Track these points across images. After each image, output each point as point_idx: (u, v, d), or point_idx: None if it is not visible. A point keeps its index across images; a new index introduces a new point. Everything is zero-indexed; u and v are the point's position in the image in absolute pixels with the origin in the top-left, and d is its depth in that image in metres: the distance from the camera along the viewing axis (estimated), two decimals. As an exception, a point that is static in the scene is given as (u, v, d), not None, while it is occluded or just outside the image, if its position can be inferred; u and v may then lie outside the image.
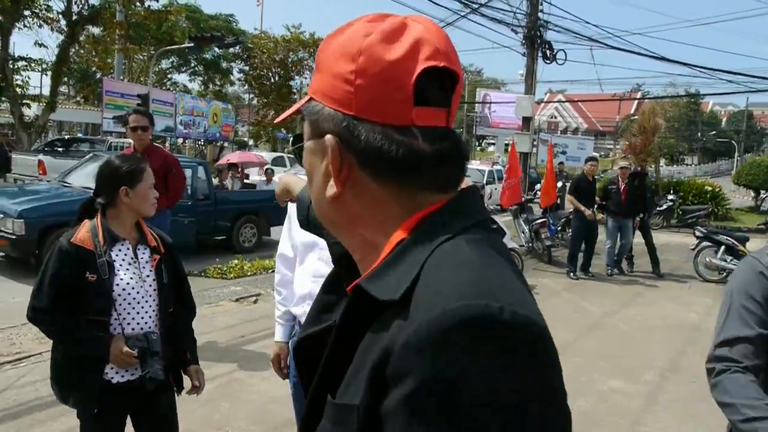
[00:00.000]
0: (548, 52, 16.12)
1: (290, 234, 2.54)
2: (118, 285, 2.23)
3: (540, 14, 15.81)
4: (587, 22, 26.70)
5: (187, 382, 2.53)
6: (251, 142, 45.41)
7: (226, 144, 37.95)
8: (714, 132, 65.61)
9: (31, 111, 23.11)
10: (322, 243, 2.30)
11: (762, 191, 21.32)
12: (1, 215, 7.46)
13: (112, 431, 2.30)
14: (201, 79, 42.03)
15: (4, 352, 4.80)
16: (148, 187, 2.33)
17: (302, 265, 2.43)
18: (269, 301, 6.95)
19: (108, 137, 23.95)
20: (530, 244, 10.80)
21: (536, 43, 16.01)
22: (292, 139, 0.85)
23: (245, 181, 12.71)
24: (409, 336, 0.58)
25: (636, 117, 29.10)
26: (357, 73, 0.70)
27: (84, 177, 8.73)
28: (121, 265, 2.27)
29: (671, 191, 17.02)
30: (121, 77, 27.62)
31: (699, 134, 64.75)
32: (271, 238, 11.19)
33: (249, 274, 8.43)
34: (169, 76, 40.99)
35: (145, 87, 26.32)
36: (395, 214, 0.72)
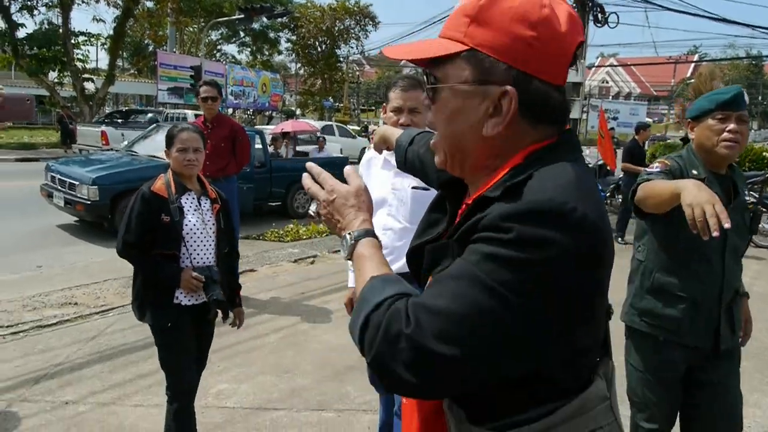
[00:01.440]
0: (600, 15, 15.74)
1: None
2: (186, 225, 2.76)
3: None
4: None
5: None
6: (298, 111, 45.92)
7: (275, 114, 38.53)
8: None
9: (91, 84, 24.05)
10: (390, 199, 2.60)
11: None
12: (77, 182, 8.02)
13: (181, 343, 2.81)
14: (249, 49, 42.51)
15: (91, 305, 5.29)
16: (176, 150, 2.79)
17: (376, 219, 2.68)
18: (326, 261, 7.32)
19: (164, 108, 24.73)
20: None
21: (587, 5, 15.66)
22: (425, 76, 0.98)
23: (297, 149, 13.08)
24: (509, 207, 0.82)
25: (692, 80, 28.02)
26: (537, 38, 0.88)
27: (149, 146, 9.25)
28: (188, 210, 2.79)
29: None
30: (174, 49, 28.30)
31: (760, 98, 61.82)
32: (324, 205, 11.55)
33: (305, 237, 8.83)
34: (218, 47, 41.73)
35: (197, 59, 26.99)
36: (522, 146, 0.93)
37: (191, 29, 35.56)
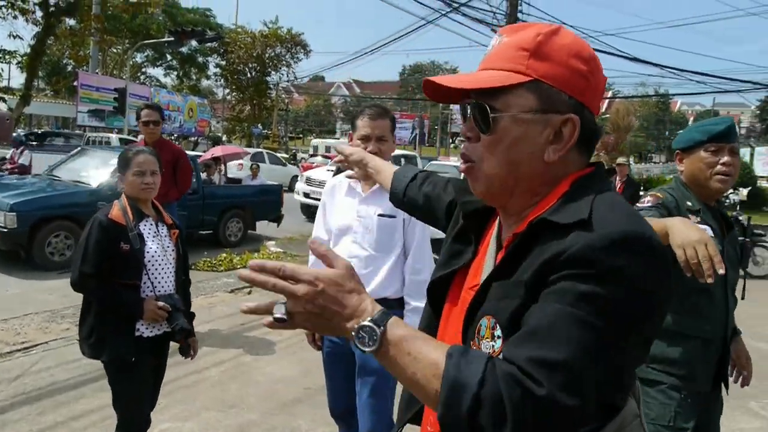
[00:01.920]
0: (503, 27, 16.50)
1: (325, 219, 2.79)
2: (148, 253, 2.65)
3: (519, 14, 16.18)
4: (564, 23, 27.15)
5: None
6: (225, 138, 45.18)
7: (200, 139, 37.75)
8: (681, 131, 67.12)
9: (3, 105, 22.79)
10: (356, 227, 2.59)
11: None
12: (-7, 208, 7.51)
13: (142, 378, 2.67)
14: (176, 73, 41.61)
15: (11, 342, 4.93)
16: (132, 173, 2.69)
17: (337, 247, 2.67)
18: (263, 292, 7.10)
19: (84, 131, 23.71)
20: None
21: (514, 42, 16.39)
22: (477, 107, 0.97)
23: (229, 176, 12.82)
24: (592, 239, 0.83)
25: (608, 115, 29.84)
26: (590, 72, 0.97)
27: (73, 171, 8.81)
28: (148, 236, 2.69)
29: (642, 188, 17.59)
30: (96, 71, 27.32)
31: (667, 133, 66.29)
32: (256, 233, 11.36)
33: (239, 266, 8.60)
34: (143, 69, 40.57)
35: (122, 81, 26.15)
36: (567, 173, 0.98)
37: (115, 50, 34.49)
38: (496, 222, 1.09)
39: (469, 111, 1.01)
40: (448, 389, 0.80)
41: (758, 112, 72.32)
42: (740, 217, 10.10)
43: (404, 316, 2.64)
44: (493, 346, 0.91)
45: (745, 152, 39.47)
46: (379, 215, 2.58)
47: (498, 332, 0.90)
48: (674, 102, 77.05)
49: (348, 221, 2.67)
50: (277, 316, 0.89)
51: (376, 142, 2.51)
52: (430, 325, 1.16)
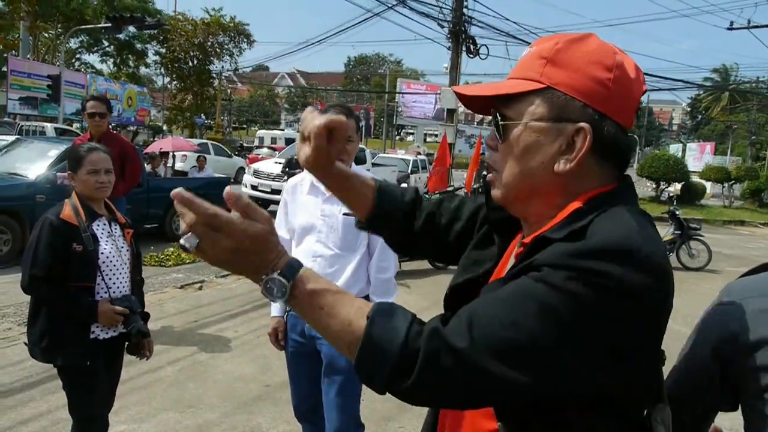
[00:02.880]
0: (472, 46, 16.72)
1: (286, 218, 2.75)
2: (102, 254, 2.55)
3: (465, 10, 16.35)
4: (507, 19, 27.65)
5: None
6: (165, 127, 43.94)
7: (140, 129, 36.57)
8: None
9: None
10: (320, 226, 2.58)
11: (662, 182, 23.06)
12: None
13: (98, 381, 2.58)
14: (113, 60, 40.07)
15: (-53, 342, 4.67)
16: (86, 172, 2.58)
17: (300, 246, 2.67)
18: (214, 287, 7.02)
19: (15, 119, 22.54)
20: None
21: (461, 37, 16.57)
22: (493, 115, 0.97)
23: (175, 168, 12.49)
24: (565, 248, 0.82)
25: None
26: (613, 81, 0.92)
27: (8, 162, 8.38)
28: (101, 237, 2.59)
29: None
30: (28, 56, 26.04)
31: (604, 128, 68.63)
32: (204, 226, 11.10)
33: (188, 261, 8.40)
34: (78, 56, 38.88)
35: (55, 67, 24.98)
36: (587, 188, 0.93)
37: (47, 35, 32.91)
38: (521, 234, 1.07)
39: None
40: (364, 344, 0.85)
41: (689, 109, 75.82)
42: (677, 212, 10.62)
43: None
44: None
45: (677, 148, 41.32)
46: (344, 214, 2.56)
47: None
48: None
49: (312, 220, 2.64)
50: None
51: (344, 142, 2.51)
52: None
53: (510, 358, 0.80)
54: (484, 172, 15.62)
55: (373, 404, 4.12)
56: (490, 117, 1.01)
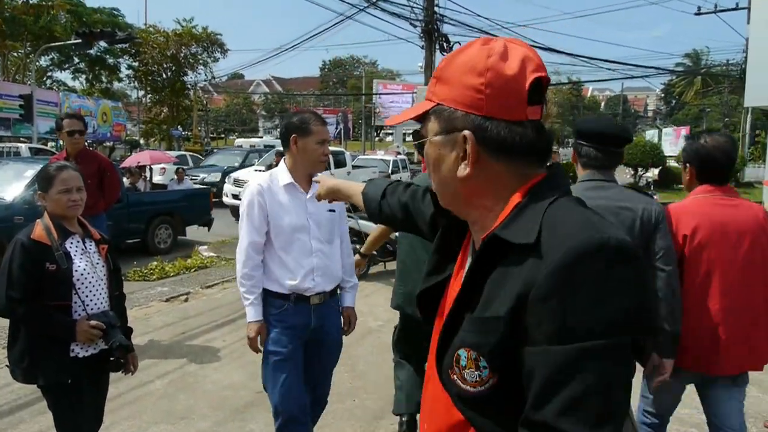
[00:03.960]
0: (445, 44, 16.82)
1: (266, 220, 2.77)
2: (76, 271, 2.55)
3: (436, 8, 16.45)
4: (479, 15, 27.81)
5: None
6: (142, 141, 43.57)
7: (117, 144, 36.24)
8: (594, 116, 70.35)
9: None
10: (310, 224, 2.71)
11: (640, 168, 23.38)
12: None
13: (82, 398, 2.58)
14: (85, 76, 39.60)
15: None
16: (57, 191, 2.58)
17: (294, 245, 2.78)
18: (200, 298, 7.00)
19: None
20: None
21: (434, 36, 16.66)
22: (413, 135, 1.13)
23: (154, 181, 12.41)
24: (550, 266, 0.84)
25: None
26: (486, 85, 0.96)
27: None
28: (75, 254, 2.59)
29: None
30: (-2, 77, 25.69)
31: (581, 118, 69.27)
32: (187, 239, 11.06)
33: (172, 274, 8.37)
34: (49, 74, 38.39)
35: (26, 86, 24.67)
36: (509, 186, 0.99)
37: (16, 54, 32.48)
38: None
39: None
40: None
41: (662, 95, 76.77)
42: (654, 196, 10.76)
43: (346, 292, 3.11)
44: (479, 375, 0.92)
45: (653, 134, 41.82)
46: (328, 210, 2.86)
47: (483, 363, 0.91)
48: (586, 89, 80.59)
49: (302, 220, 2.80)
50: None
51: (325, 144, 2.81)
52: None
53: (611, 413, 0.83)
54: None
55: (365, 402, 4.15)
56: None
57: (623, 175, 23.91)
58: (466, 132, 0.97)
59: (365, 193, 1.56)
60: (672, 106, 72.39)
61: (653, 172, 23.74)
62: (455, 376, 0.95)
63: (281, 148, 2.95)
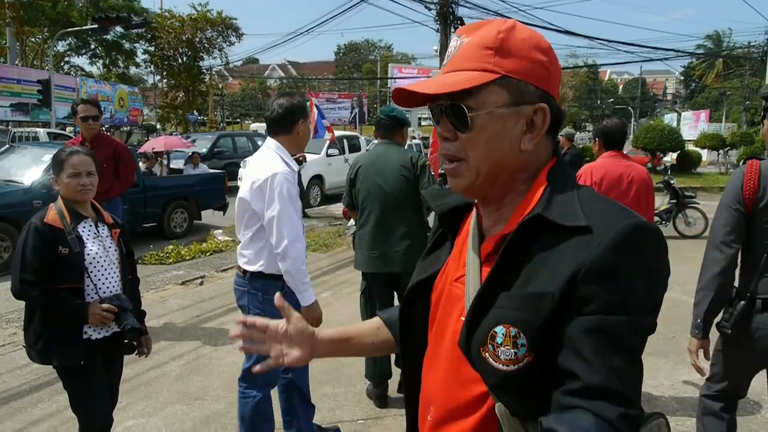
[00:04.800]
0: (461, 27, 16.66)
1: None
2: (88, 255, 2.60)
3: (451, -9, 16.27)
4: (494, -2, 27.48)
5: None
6: (159, 126, 43.80)
7: (134, 129, 36.48)
8: (612, 99, 69.47)
9: None
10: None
11: (658, 153, 23.06)
12: None
13: (96, 379, 2.64)
14: (102, 61, 39.84)
15: (-45, 350, 4.74)
16: (67, 176, 2.62)
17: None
18: (215, 281, 7.07)
19: (7, 126, 22.50)
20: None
21: (449, 19, 16.50)
22: (450, 108, 1.01)
23: (171, 166, 12.49)
24: (603, 245, 0.89)
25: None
26: (550, 63, 1.03)
27: (3, 169, 8.41)
28: (87, 238, 2.63)
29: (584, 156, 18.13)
30: (16, 62, 25.93)
31: (599, 102, 68.38)
32: (203, 223, 11.17)
33: (188, 258, 8.47)
34: (66, 59, 38.66)
35: (44, 72, 24.87)
36: (540, 164, 1.04)
37: (34, 40, 32.72)
38: (473, 214, 1.13)
39: (441, 112, 1.03)
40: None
41: (682, 78, 75.48)
42: (672, 181, 10.64)
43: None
44: (515, 353, 0.93)
45: (672, 117, 41.17)
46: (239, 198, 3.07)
47: (522, 341, 0.92)
48: (603, 72, 79.50)
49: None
50: None
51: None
52: (404, 327, 1.22)
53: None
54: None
55: (353, 408, 4.19)
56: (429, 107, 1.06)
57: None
58: (544, 105, 1.01)
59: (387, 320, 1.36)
60: (692, 89, 71.19)
61: (671, 157, 23.42)
62: (487, 354, 0.95)
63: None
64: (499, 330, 0.94)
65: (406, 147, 3.80)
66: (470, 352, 0.98)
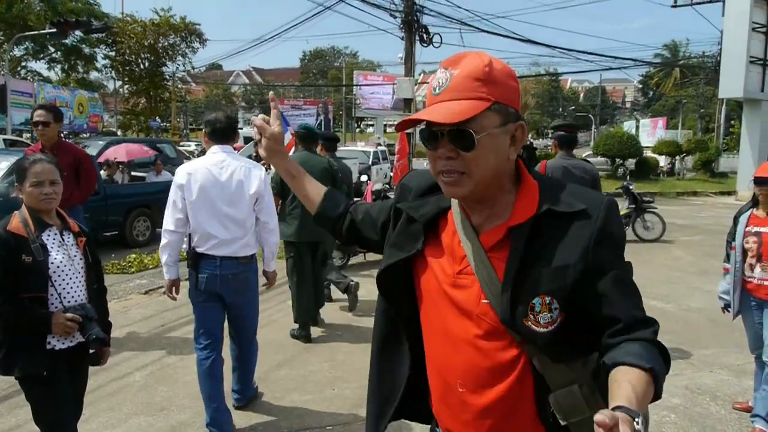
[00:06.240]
0: (425, 35, 16.82)
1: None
2: (53, 263, 2.54)
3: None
4: (459, 6, 27.84)
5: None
6: (120, 133, 42.94)
7: (94, 135, 35.67)
8: (573, 107, 70.91)
9: None
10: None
11: (617, 159, 23.64)
12: None
13: (59, 390, 2.59)
14: (61, 66, 38.89)
15: None
16: (30, 184, 2.58)
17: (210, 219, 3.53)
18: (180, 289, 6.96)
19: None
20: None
21: (414, 26, 16.65)
22: (457, 133, 1.21)
23: (133, 173, 12.27)
24: (600, 220, 1.22)
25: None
26: (517, 87, 1.27)
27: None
28: (52, 247, 2.58)
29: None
30: (-31, 67, 25.12)
31: (560, 109, 69.71)
32: (166, 230, 10.98)
33: (151, 267, 8.33)
34: (23, 63, 37.62)
35: (0, 77, 24.18)
36: (515, 166, 1.30)
37: (-12, 44, 31.77)
38: (455, 217, 1.33)
39: (441, 136, 1.22)
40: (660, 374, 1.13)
41: (641, 86, 77.52)
42: (630, 187, 10.94)
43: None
44: (551, 316, 1.21)
45: (631, 125, 42.22)
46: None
47: (555, 305, 1.21)
48: (565, 80, 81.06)
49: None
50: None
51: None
52: (387, 309, 1.47)
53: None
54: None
55: (344, 392, 4.20)
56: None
57: (601, 165, 24.16)
58: (522, 122, 1.26)
59: (327, 199, 1.65)
60: (650, 97, 73.13)
61: (630, 163, 24.03)
62: (530, 323, 1.21)
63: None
64: (537, 301, 1.20)
65: (372, 152, 5.40)
66: (515, 324, 1.21)
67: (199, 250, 3.52)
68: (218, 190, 3.50)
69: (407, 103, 16.85)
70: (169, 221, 3.53)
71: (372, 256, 8.74)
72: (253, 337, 3.89)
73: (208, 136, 3.68)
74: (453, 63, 1.23)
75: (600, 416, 0.88)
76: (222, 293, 3.55)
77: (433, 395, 1.41)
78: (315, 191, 1.64)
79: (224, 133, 3.67)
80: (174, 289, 3.72)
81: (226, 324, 3.74)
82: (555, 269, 1.20)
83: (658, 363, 1.11)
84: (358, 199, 15.17)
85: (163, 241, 3.59)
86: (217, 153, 3.60)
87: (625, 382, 1.05)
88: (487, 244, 1.26)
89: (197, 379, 4.29)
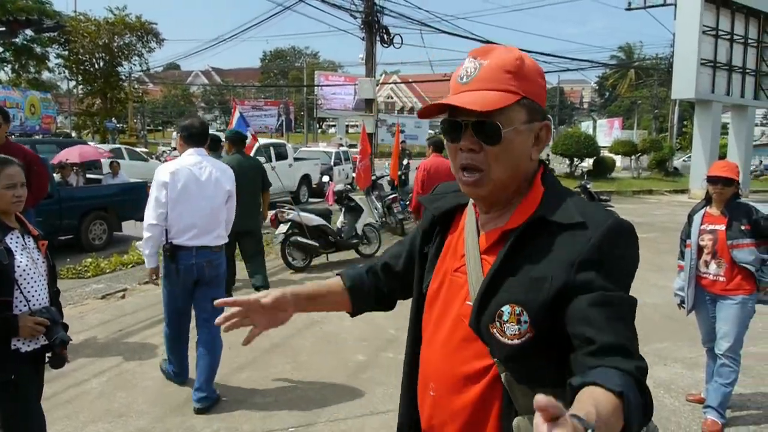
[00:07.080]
0: (386, 36, 16.84)
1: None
2: (18, 267, 2.51)
3: (376, 0, 16.43)
4: (419, 7, 27.99)
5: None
6: (74, 134, 41.80)
7: (47, 137, 34.64)
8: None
9: None
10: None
11: (576, 159, 24.10)
12: None
13: (27, 394, 2.56)
14: (11, 66, 37.61)
15: None
16: (3, 186, 2.54)
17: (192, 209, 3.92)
18: (137, 294, 6.84)
19: None
20: (384, 219, 11.42)
21: (374, 27, 16.66)
22: (482, 126, 1.16)
23: (89, 175, 11.95)
24: (596, 238, 1.10)
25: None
26: (544, 85, 1.22)
27: None
28: (15, 250, 2.54)
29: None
30: None
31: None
32: (124, 234, 10.74)
33: (108, 271, 8.14)
34: (-30, 63, 36.26)
35: (-55, 77, 23.29)
36: (535, 169, 1.23)
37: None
38: (467, 213, 1.29)
39: (465, 127, 1.16)
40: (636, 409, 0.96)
41: (597, 87, 79.25)
42: (588, 186, 11.19)
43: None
44: (519, 329, 1.11)
45: (588, 125, 43.12)
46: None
47: (525, 318, 1.11)
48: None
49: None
50: None
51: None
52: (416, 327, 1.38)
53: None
54: (405, 161, 15.89)
55: (307, 393, 4.18)
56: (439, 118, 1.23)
57: (560, 165, 24.61)
58: (547, 122, 1.21)
59: (354, 283, 1.52)
60: (606, 98, 74.76)
61: (588, 163, 24.53)
62: (495, 330, 1.13)
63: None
64: (506, 309, 1.12)
65: (333, 153, 5.74)
66: (480, 329, 1.15)
67: (176, 242, 3.86)
68: (199, 187, 3.89)
69: (369, 104, 16.80)
70: (151, 216, 3.85)
71: (334, 257, 8.71)
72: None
73: (184, 140, 4.04)
74: (483, 53, 1.18)
75: (541, 396, 0.73)
76: (198, 279, 3.94)
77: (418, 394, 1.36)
78: (332, 289, 1.50)
79: (199, 138, 4.06)
80: (155, 275, 4.09)
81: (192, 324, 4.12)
82: (532, 279, 1.11)
83: (633, 392, 0.94)
84: (320, 199, 15.09)
85: (146, 234, 3.91)
86: (192, 155, 3.98)
87: (588, 400, 0.90)
88: (483, 245, 1.23)
89: (155, 384, 4.24)
